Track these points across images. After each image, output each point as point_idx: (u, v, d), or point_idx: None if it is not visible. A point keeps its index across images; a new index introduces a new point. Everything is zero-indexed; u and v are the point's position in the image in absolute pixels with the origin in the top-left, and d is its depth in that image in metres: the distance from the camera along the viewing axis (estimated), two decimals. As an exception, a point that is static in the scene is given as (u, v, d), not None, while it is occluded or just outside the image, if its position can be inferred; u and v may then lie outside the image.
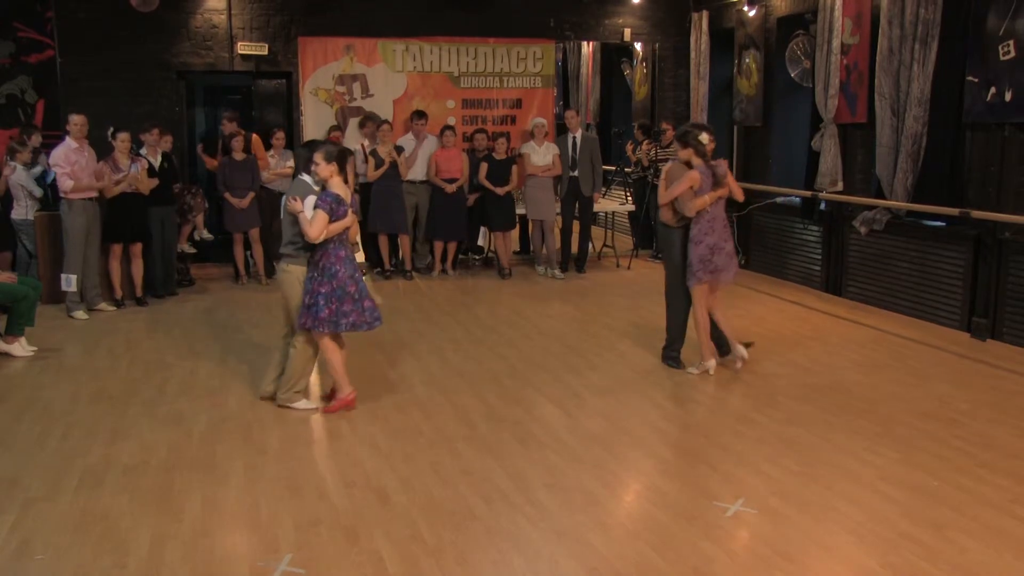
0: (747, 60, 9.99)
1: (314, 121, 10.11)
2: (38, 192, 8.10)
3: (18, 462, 4.53)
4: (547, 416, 5.23)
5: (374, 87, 10.28)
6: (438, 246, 9.66)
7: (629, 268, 10.24)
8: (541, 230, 9.80)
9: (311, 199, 5.01)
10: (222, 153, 9.04)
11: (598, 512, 3.98)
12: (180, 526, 3.81)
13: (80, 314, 7.68)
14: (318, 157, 5.02)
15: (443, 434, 4.93)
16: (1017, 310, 6.69)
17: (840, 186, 8.41)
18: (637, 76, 12.56)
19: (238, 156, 8.85)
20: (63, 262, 7.64)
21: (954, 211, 6.98)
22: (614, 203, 10.95)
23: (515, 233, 10.32)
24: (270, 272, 9.23)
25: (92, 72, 9.55)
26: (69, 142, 7.57)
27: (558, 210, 9.83)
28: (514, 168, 9.63)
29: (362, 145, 9.30)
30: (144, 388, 5.77)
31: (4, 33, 9.30)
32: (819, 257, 8.91)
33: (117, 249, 8.02)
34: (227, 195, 8.83)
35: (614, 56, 13.93)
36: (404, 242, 9.58)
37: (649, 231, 10.92)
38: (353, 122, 10.02)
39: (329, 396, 5.44)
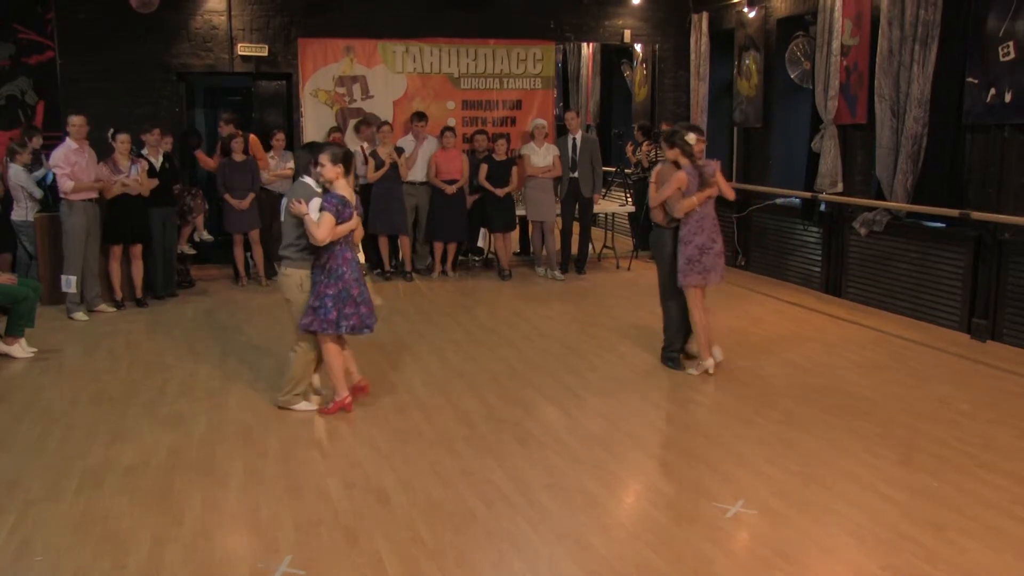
0: (747, 61, 9.99)
1: (314, 122, 10.11)
2: (38, 193, 8.11)
3: (18, 463, 4.53)
4: (547, 417, 5.23)
5: (374, 88, 10.29)
6: (438, 247, 9.66)
7: (629, 269, 10.24)
8: (541, 231, 9.80)
9: (316, 201, 4.99)
10: (221, 154, 9.04)
11: (598, 513, 3.98)
12: (180, 527, 3.81)
13: (80, 315, 7.68)
14: (324, 159, 4.98)
15: (443, 435, 4.93)
16: (1017, 311, 6.69)
17: (840, 187, 8.42)
18: (637, 77, 12.57)
19: (238, 157, 8.85)
20: (63, 263, 7.65)
21: (954, 212, 6.98)
22: (614, 204, 10.95)
23: (515, 234, 10.32)
24: (270, 273, 9.24)
25: (92, 73, 9.55)
26: (69, 143, 7.57)
27: (558, 211, 9.83)
28: (514, 169, 9.63)
29: (361, 147, 9.30)
30: (144, 389, 5.77)
31: (4, 35, 9.30)
32: (819, 258, 8.91)
33: (117, 250, 8.02)
34: (227, 196, 8.83)
35: (614, 57, 13.94)
36: (404, 243, 9.58)
37: (648, 232, 10.90)
38: (351, 124, 10.02)
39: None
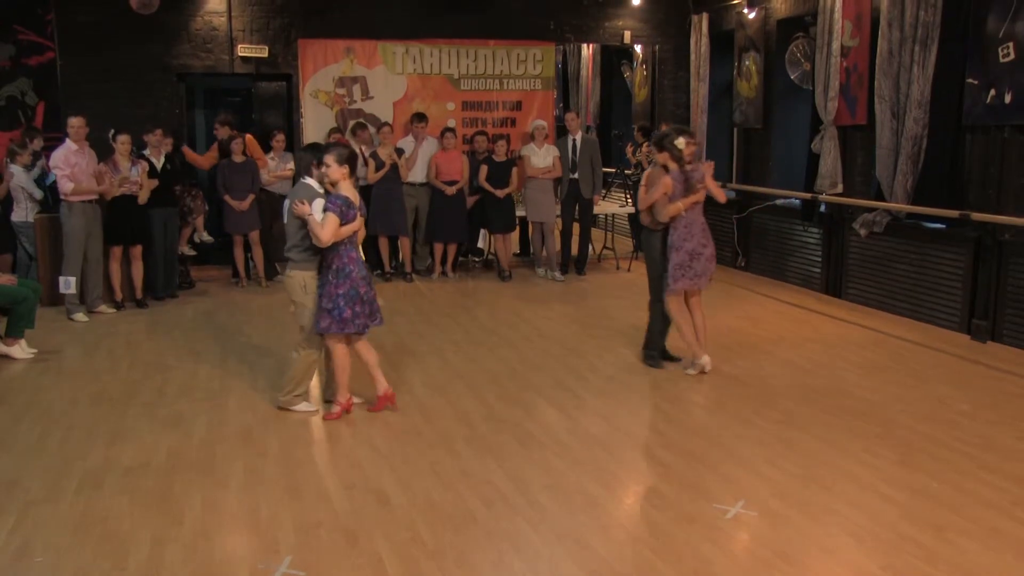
0: (747, 62, 9.99)
1: (314, 123, 10.12)
2: (38, 194, 8.11)
3: (18, 464, 4.53)
4: (547, 418, 5.23)
5: (374, 89, 10.29)
6: (438, 248, 9.66)
7: (629, 270, 10.24)
8: (541, 232, 9.81)
9: (319, 202, 4.97)
10: (219, 155, 9.05)
11: (598, 514, 3.98)
12: (180, 528, 3.81)
13: (80, 316, 7.68)
14: (330, 159, 4.97)
15: (443, 436, 4.93)
16: (1017, 312, 6.69)
17: (840, 188, 8.42)
18: (637, 78, 12.58)
19: (237, 159, 8.86)
20: (63, 264, 7.65)
21: (954, 213, 6.98)
22: (614, 205, 10.95)
23: (515, 235, 10.32)
24: (270, 274, 9.24)
25: (92, 74, 9.55)
26: (69, 144, 7.57)
27: (558, 212, 9.83)
28: (514, 170, 9.63)
29: (360, 149, 9.31)
30: (144, 390, 5.77)
31: (4, 36, 9.31)
32: (819, 259, 8.91)
33: (117, 251, 8.02)
34: (227, 197, 8.83)
35: (614, 58, 13.94)
36: (404, 244, 9.58)
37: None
38: (349, 127, 10.02)
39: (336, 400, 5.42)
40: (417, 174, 9.50)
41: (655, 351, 6.28)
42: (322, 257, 5.11)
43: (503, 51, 10.59)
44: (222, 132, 9.16)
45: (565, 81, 15.28)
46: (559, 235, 9.97)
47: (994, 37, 6.64)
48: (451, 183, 9.41)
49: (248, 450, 4.73)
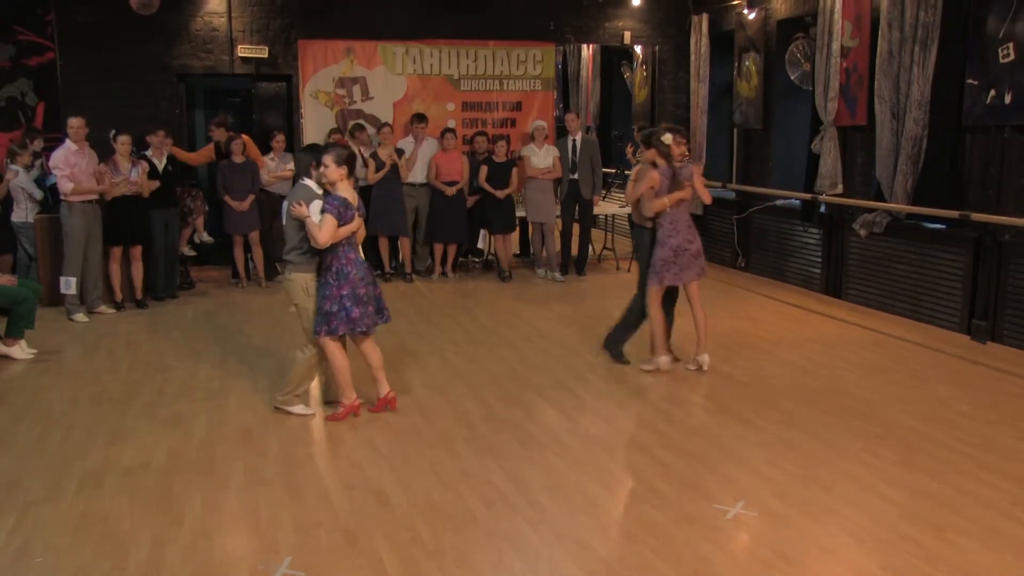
0: (747, 63, 10.00)
1: (314, 124, 10.12)
2: (38, 195, 8.11)
3: (18, 464, 4.53)
4: (547, 418, 5.23)
5: (374, 90, 10.29)
6: (438, 249, 9.66)
7: (629, 271, 10.23)
8: (541, 233, 9.81)
9: (317, 204, 4.97)
10: (216, 155, 9.05)
11: (598, 514, 3.98)
12: (180, 528, 3.81)
13: (80, 317, 7.68)
14: (328, 160, 4.96)
15: (443, 436, 4.93)
16: (1017, 312, 6.69)
17: (840, 189, 8.42)
18: (637, 79, 12.58)
19: (237, 159, 8.86)
20: (63, 265, 7.65)
21: (954, 213, 6.98)
22: (614, 206, 10.94)
23: (515, 236, 10.33)
24: (270, 275, 9.24)
25: (92, 75, 9.55)
26: (69, 145, 7.57)
27: (558, 213, 9.84)
28: (514, 171, 9.64)
29: (359, 150, 9.31)
30: (144, 390, 5.77)
31: (4, 36, 9.31)
32: (819, 259, 8.91)
33: (117, 252, 8.02)
34: (227, 198, 8.83)
35: (614, 59, 13.95)
36: (404, 245, 9.58)
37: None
38: (348, 128, 10.02)
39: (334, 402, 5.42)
40: (417, 175, 9.50)
41: (620, 345, 6.36)
42: (321, 259, 5.10)
43: (503, 52, 10.59)
44: (217, 134, 9.18)
45: (565, 82, 15.28)
46: (559, 235, 9.98)
47: (994, 37, 6.64)
48: (451, 183, 9.41)
49: (248, 450, 4.73)
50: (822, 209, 8.78)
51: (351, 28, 10.19)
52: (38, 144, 8.36)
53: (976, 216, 6.78)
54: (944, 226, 7.40)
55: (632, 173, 6.31)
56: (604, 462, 4.57)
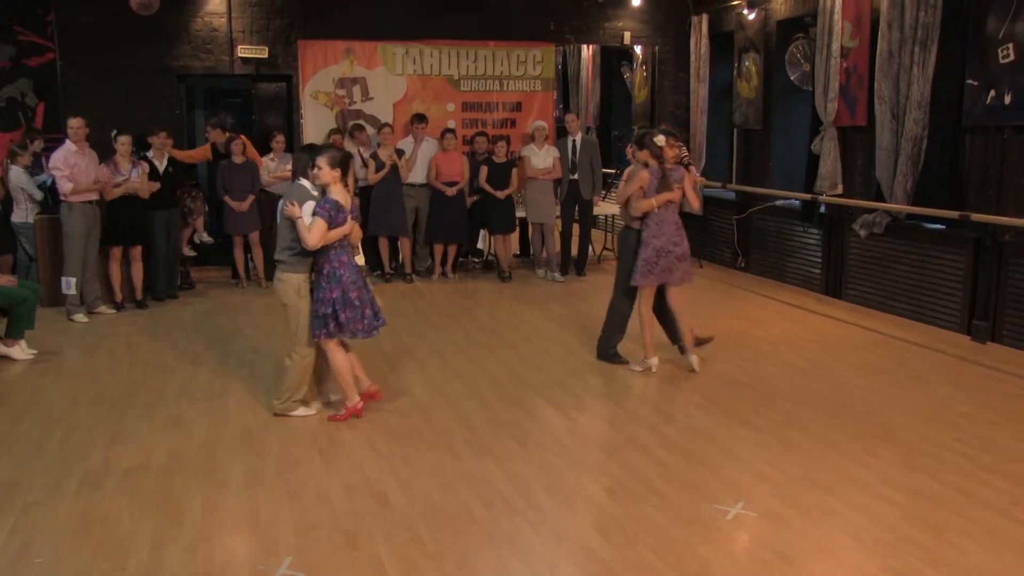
0: (747, 63, 10.00)
1: (314, 124, 10.12)
2: (38, 195, 8.11)
3: (18, 465, 4.53)
4: (547, 419, 5.23)
5: (374, 90, 10.29)
6: (438, 249, 9.66)
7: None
8: (541, 233, 9.81)
9: (309, 205, 4.95)
10: (213, 155, 9.05)
11: (598, 515, 3.98)
12: (180, 529, 3.81)
13: (80, 317, 7.68)
14: (322, 161, 4.94)
15: (443, 437, 4.93)
16: (1017, 313, 6.69)
17: (840, 189, 8.42)
18: (637, 79, 12.58)
19: (237, 159, 8.86)
20: (63, 265, 7.65)
21: (954, 214, 6.98)
22: (614, 206, 10.93)
23: (515, 236, 10.33)
24: (270, 275, 9.17)
25: (92, 75, 9.56)
26: (69, 145, 7.58)
27: (558, 213, 9.84)
28: (514, 171, 9.64)
29: (359, 151, 9.31)
30: (144, 391, 5.77)
31: (4, 36, 9.31)
32: (819, 260, 8.91)
33: (117, 252, 8.03)
34: (227, 198, 8.84)
35: (614, 59, 13.95)
36: (404, 245, 9.59)
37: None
38: (348, 128, 10.02)
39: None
40: (417, 175, 9.50)
41: (613, 348, 6.36)
42: (313, 261, 5.10)
43: (503, 52, 10.59)
44: (214, 135, 9.18)
45: (565, 82, 15.28)
46: (559, 236, 9.98)
47: (994, 38, 6.64)
48: (451, 184, 9.41)
49: (248, 451, 4.72)
50: (822, 209, 8.78)
51: (351, 28, 10.19)
52: (38, 144, 8.36)
53: (976, 216, 6.78)
54: (944, 226, 7.40)
55: (624, 174, 6.32)
56: (604, 462, 4.57)
